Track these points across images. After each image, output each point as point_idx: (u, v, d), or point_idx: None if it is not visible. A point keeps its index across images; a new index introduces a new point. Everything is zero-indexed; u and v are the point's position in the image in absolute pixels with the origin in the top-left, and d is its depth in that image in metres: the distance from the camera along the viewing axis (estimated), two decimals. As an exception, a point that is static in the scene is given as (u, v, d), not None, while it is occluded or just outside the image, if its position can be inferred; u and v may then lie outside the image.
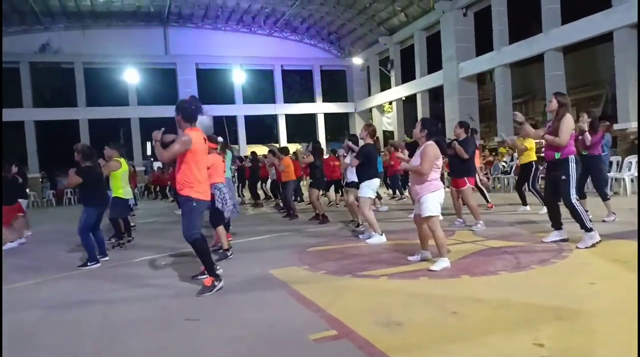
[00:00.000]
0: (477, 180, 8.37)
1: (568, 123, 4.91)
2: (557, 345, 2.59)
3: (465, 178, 6.77)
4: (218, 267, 4.28)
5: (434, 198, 4.53)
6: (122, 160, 6.98)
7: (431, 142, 4.62)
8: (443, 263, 4.43)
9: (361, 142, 6.49)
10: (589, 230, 4.92)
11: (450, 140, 7.28)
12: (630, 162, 10.11)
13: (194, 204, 4.11)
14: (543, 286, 3.74)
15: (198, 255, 4.17)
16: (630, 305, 3.04)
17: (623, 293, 3.42)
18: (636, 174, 10.09)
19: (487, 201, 8.93)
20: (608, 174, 9.49)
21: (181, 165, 4.11)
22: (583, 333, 2.75)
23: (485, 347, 2.61)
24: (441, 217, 4.83)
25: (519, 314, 3.12)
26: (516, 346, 2.60)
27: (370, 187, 6.19)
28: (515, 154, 14.86)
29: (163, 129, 4.30)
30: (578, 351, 2.52)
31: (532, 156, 8.28)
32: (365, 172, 6.21)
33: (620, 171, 10.24)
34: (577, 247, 4.88)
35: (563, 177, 4.96)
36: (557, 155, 4.99)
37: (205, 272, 4.24)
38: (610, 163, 10.16)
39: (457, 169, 6.91)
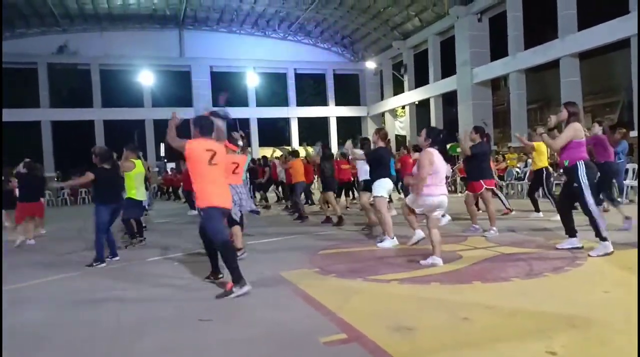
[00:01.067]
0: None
1: (568, 130, 4.93)
2: (570, 353, 2.55)
3: (482, 181, 6.75)
4: (221, 275, 4.46)
5: (415, 197, 4.99)
6: (138, 161, 7.07)
7: (429, 149, 4.87)
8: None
9: (373, 146, 6.58)
10: (604, 239, 4.86)
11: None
12: (627, 170, 9.92)
13: (202, 213, 4.30)
14: (556, 294, 3.69)
15: (222, 257, 4.23)
16: (645, 315, 2.99)
17: (636, 302, 3.36)
18: (634, 183, 9.93)
19: (505, 207, 8.87)
20: (624, 181, 9.36)
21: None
22: (597, 342, 2.71)
23: (497, 355, 2.59)
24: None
25: (532, 321, 3.08)
26: (528, 354, 2.57)
27: (382, 186, 6.22)
28: (529, 160, 14.74)
29: (182, 119, 4.44)
30: (591, 360, 2.49)
31: (544, 162, 8.21)
32: (377, 173, 6.30)
33: (636, 179, 10.07)
34: (590, 255, 4.82)
35: (575, 184, 4.94)
36: (566, 163, 4.99)
37: (211, 277, 4.50)
38: (626, 170, 10.00)
39: (473, 172, 6.88)
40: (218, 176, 4.32)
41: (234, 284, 4.01)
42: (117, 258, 5.95)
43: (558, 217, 7.11)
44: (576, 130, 4.93)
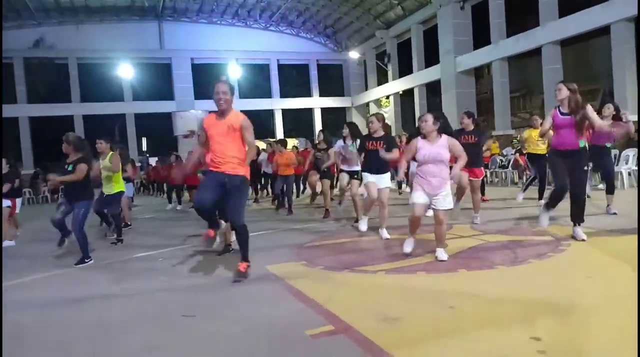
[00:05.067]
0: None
1: (593, 112, 4.76)
2: (554, 339, 2.58)
3: (482, 168, 6.84)
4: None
5: (450, 191, 4.62)
6: (109, 154, 6.95)
7: (446, 136, 4.65)
8: (445, 253, 4.57)
9: (365, 131, 6.47)
10: (581, 223, 4.98)
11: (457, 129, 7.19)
12: (628, 156, 10.11)
13: (245, 185, 4.26)
14: (540, 280, 3.73)
15: (238, 240, 4.28)
16: (627, 299, 3.03)
17: (620, 287, 3.41)
18: (633, 168, 10.09)
19: (483, 194, 8.95)
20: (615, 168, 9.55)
21: (235, 142, 4.26)
22: (580, 327, 2.74)
23: (483, 342, 2.60)
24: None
25: (516, 308, 3.11)
26: (513, 341, 2.58)
27: (389, 177, 6.24)
28: (510, 148, 14.88)
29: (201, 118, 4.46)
30: (575, 345, 2.51)
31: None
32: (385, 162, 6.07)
33: (617, 165, 10.25)
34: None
35: (585, 167, 4.93)
36: (582, 143, 4.85)
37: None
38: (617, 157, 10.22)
39: (475, 159, 6.54)
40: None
41: (248, 264, 4.18)
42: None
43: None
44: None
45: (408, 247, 4.87)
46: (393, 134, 22.71)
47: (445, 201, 4.54)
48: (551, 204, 5.17)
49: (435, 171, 4.55)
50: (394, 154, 5.88)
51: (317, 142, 9.87)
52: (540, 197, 7.89)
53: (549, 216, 5.24)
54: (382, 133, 6.11)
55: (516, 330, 2.72)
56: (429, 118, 4.65)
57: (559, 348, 2.48)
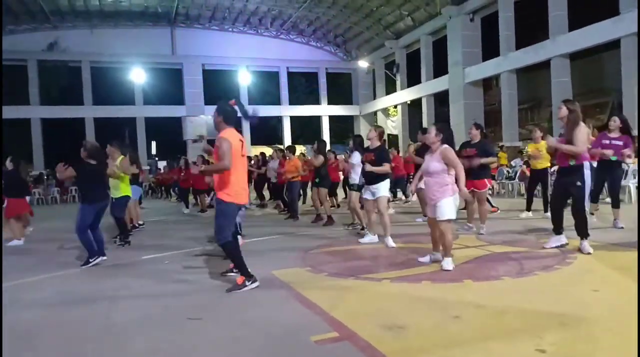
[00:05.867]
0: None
1: (583, 131, 4.93)
2: (560, 352, 2.57)
3: (485, 180, 6.81)
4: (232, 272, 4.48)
5: (451, 202, 4.56)
6: (121, 158, 7.03)
7: (448, 146, 4.65)
8: (450, 263, 4.55)
9: (367, 143, 6.53)
10: (587, 237, 4.99)
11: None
12: (635, 170, 10.05)
13: (222, 207, 4.14)
14: (546, 292, 3.72)
15: (228, 256, 4.32)
16: (632, 312, 3.03)
17: (626, 300, 3.40)
18: None
19: (492, 205, 8.94)
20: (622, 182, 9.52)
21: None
22: (585, 340, 2.74)
23: (487, 353, 2.61)
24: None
25: (522, 320, 3.10)
26: (519, 352, 2.59)
27: (386, 186, 6.23)
28: (518, 160, 14.83)
29: (205, 140, 4.43)
30: (580, 358, 2.51)
31: (548, 162, 8.22)
32: (382, 174, 6.11)
33: (625, 179, 10.19)
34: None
35: (578, 183, 4.94)
36: (572, 162, 4.98)
37: (234, 270, 4.44)
38: (626, 172, 10.16)
39: (477, 171, 6.73)
40: (245, 168, 4.34)
41: (245, 278, 4.12)
42: (105, 258, 5.77)
43: (529, 214, 7.91)
44: (585, 130, 4.98)
45: (424, 258, 4.98)
46: (401, 143, 22.75)
47: (442, 210, 4.53)
48: (553, 225, 5.35)
49: (430, 182, 4.67)
50: (384, 168, 6.01)
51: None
52: (545, 210, 7.90)
53: (560, 241, 5.30)
54: (376, 144, 6.26)
55: (521, 341, 2.72)
56: (432, 130, 4.74)
57: (563, 360, 2.48)
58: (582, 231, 5.02)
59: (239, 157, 4.12)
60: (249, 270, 4.18)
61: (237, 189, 4.13)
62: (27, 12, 22.35)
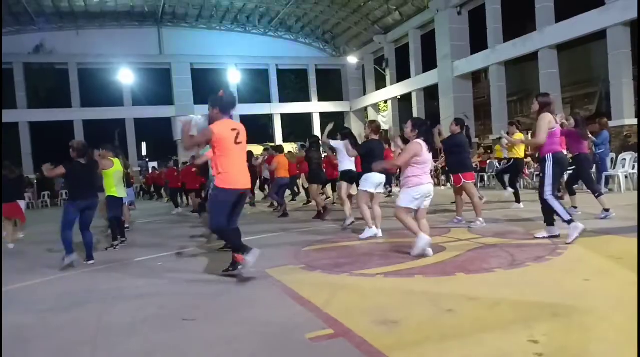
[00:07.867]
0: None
1: (542, 122, 5.06)
2: (552, 342, 2.60)
3: (460, 174, 6.82)
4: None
5: (407, 193, 4.93)
6: (116, 160, 6.97)
7: (417, 141, 4.92)
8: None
9: (363, 141, 6.65)
10: (569, 222, 5.02)
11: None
12: (624, 159, 10.16)
13: (216, 193, 4.31)
14: (538, 283, 3.75)
15: (222, 238, 4.54)
16: (624, 301, 3.06)
17: (617, 289, 3.44)
18: (630, 171, 10.15)
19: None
20: (611, 171, 9.68)
21: (213, 154, 4.35)
22: (578, 330, 2.76)
23: (481, 345, 2.62)
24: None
25: (514, 311, 3.13)
26: (511, 343, 2.60)
27: (369, 181, 6.24)
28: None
29: (193, 118, 4.51)
30: (573, 347, 2.53)
31: (521, 153, 8.62)
32: (367, 166, 6.20)
33: (614, 168, 10.29)
34: (567, 243, 4.91)
35: (540, 174, 5.28)
36: (537, 154, 5.20)
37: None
38: (611, 159, 10.28)
39: (451, 165, 7.08)
40: (242, 156, 4.45)
41: (243, 254, 4.20)
42: (93, 262, 5.74)
43: (520, 205, 8.24)
44: (548, 121, 5.06)
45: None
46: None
47: (399, 197, 5.07)
48: (544, 215, 5.49)
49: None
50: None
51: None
52: (504, 187, 8.79)
53: (551, 232, 5.36)
54: (374, 138, 6.53)
55: (514, 333, 2.74)
56: (409, 125, 5.10)
57: (557, 350, 2.50)
58: (546, 218, 5.31)
59: (231, 144, 4.28)
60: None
61: (232, 175, 4.28)
62: (10, 14, 22.03)
